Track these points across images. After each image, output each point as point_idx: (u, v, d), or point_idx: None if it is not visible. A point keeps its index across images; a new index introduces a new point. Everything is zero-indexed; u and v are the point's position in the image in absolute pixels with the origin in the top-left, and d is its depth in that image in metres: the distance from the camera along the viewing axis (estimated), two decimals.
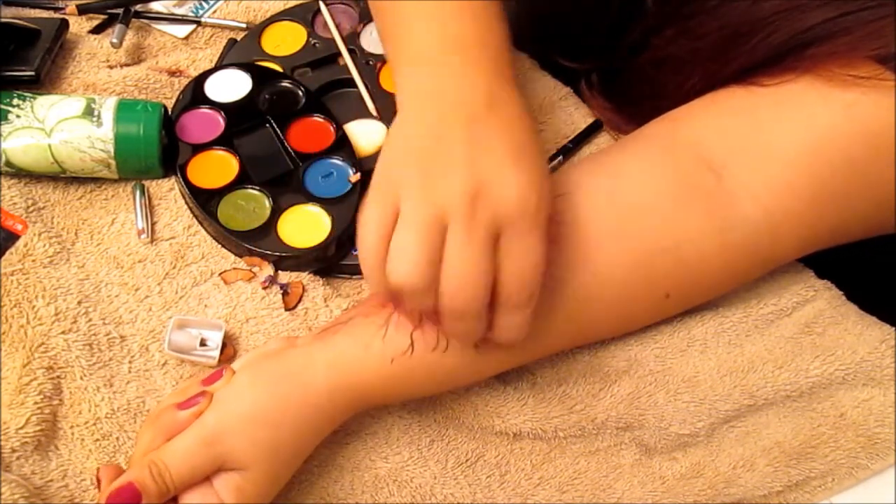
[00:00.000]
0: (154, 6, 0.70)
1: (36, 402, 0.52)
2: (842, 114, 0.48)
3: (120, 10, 0.68)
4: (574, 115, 0.66)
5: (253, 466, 0.46)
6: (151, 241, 0.59)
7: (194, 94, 0.64)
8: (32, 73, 0.63)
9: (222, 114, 0.63)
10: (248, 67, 0.65)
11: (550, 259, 0.48)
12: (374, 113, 0.65)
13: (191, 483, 0.46)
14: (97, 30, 0.69)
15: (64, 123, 0.58)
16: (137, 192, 0.60)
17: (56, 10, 0.69)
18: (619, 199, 0.50)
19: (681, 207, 0.50)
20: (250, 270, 0.58)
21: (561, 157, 0.63)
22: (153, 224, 0.60)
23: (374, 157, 0.63)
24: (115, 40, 0.66)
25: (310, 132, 0.63)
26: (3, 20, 0.65)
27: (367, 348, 0.48)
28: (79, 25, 0.68)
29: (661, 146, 0.52)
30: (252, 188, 0.60)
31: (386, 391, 0.50)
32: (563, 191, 0.50)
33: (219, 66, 0.66)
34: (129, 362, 0.55)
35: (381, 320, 0.48)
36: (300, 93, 0.65)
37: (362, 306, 0.50)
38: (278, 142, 0.62)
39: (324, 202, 0.60)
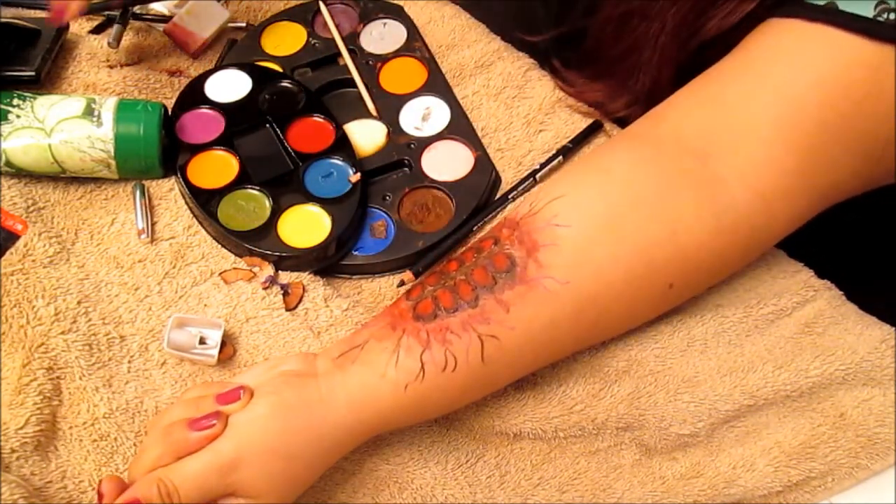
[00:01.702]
0: (154, 7, 0.70)
1: (35, 403, 0.51)
2: (805, 78, 0.49)
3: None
4: (574, 115, 0.66)
5: (264, 496, 0.46)
6: (151, 241, 0.59)
7: (194, 94, 0.64)
8: (32, 74, 0.63)
9: (222, 114, 0.63)
10: (248, 67, 0.65)
11: (551, 263, 0.48)
12: (374, 113, 0.65)
13: None
14: (97, 30, 0.69)
15: (64, 123, 0.58)
16: (137, 192, 0.60)
17: None
18: (611, 195, 0.50)
19: (671, 196, 0.50)
20: (250, 270, 0.58)
21: (561, 158, 0.63)
22: (153, 224, 0.60)
23: (374, 156, 0.63)
24: (111, 41, 0.66)
25: (310, 132, 0.63)
26: (3, 20, 0.65)
27: (382, 378, 0.48)
28: (79, 26, 0.68)
29: (646, 142, 0.53)
30: (252, 188, 0.60)
31: (403, 418, 0.50)
32: (558, 194, 0.50)
33: (219, 66, 0.66)
34: (129, 362, 0.55)
35: (392, 345, 0.48)
36: (300, 93, 0.65)
37: (374, 327, 0.50)
38: (278, 142, 0.62)
39: (324, 202, 0.60)
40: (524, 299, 0.48)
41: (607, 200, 0.50)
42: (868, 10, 0.47)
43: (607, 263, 0.49)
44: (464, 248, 0.53)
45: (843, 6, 0.48)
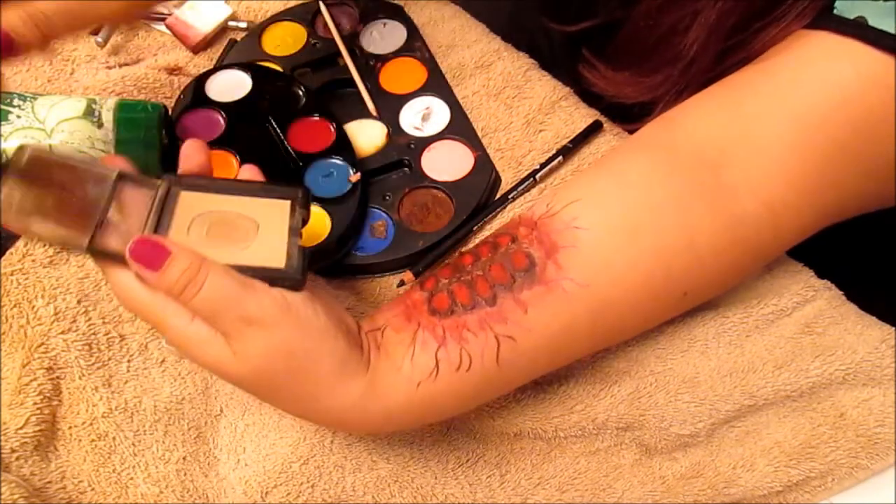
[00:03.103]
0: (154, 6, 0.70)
1: (35, 403, 0.52)
2: (827, 96, 0.48)
3: None
4: (574, 115, 0.66)
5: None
6: None
7: (195, 95, 0.64)
8: None
9: (222, 114, 0.63)
10: (248, 67, 0.65)
11: (570, 265, 0.48)
12: (374, 113, 0.65)
13: None
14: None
15: (64, 124, 0.58)
16: None
17: None
18: (629, 201, 0.50)
19: (690, 205, 0.49)
20: None
21: (561, 158, 0.63)
22: None
23: (374, 156, 0.63)
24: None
25: (310, 132, 0.63)
26: None
27: (398, 372, 0.46)
28: None
29: (660, 149, 0.52)
30: None
31: (406, 419, 0.48)
32: (576, 197, 0.49)
33: (219, 66, 0.66)
34: (128, 361, 0.55)
35: (409, 338, 0.47)
36: (300, 93, 0.65)
37: (389, 314, 0.49)
38: (278, 142, 0.62)
39: (324, 202, 0.60)
40: (543, 300, 0.47)
41: (626, 206, 0.49)
42: (892, 26, 0.46)
43: (627, 269, 0.48)
44: (478, 242, 0.52)
45: (873, 22, 0.47)
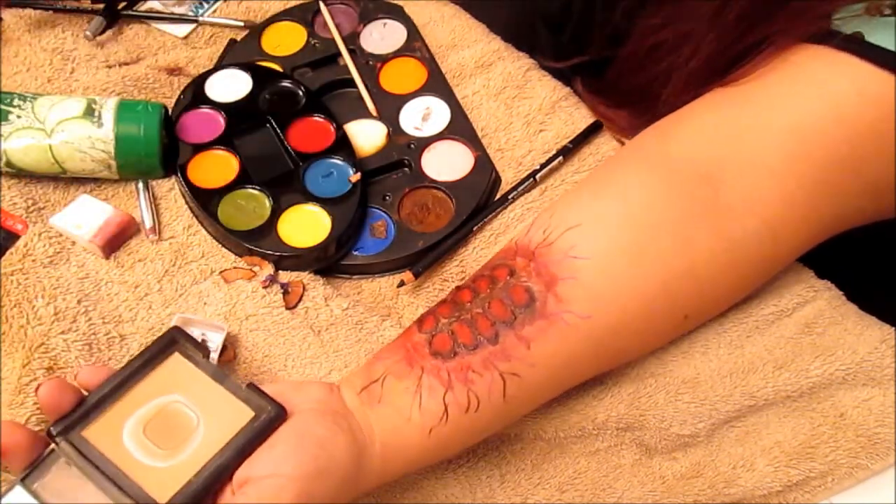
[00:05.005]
0: (154, 5, 0.70)
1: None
2: (826, 112, 0.48)
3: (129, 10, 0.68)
4: (574, 115, 0.66)
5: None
6: (155, 239, 0.59)
7: (194, 94, 0.64)
8: None
9: (222, 114, 0.63)
10: (248, 67, 0.65)
11: (571, 297, 0.47)
12: (374, 113, 0.65)
13: None
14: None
15: (64, 124, 0.58)
16: (141, 186, 0.60)
17: (56, 10, 0.69)
18: (632, 224, 0.49)
19: (689, 227, 0.49)
20: (251, 269, 0.58)
21: (561, 158, 0.63)
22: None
23: (374, 156, 0.63)
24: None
25: (310, 132, 0.63)
26: None
27: (409, 422, 0.46)
28: (79, 26, 0.68)
29: (658, 163, 0.51)
30: (252, 188, 0.60)
31: (423, 463, 0.48)
32: (574, 223, 0.49)
33: (219, 66, 0.66)
34: None
35: (413, 385, 0.46)
36: (300, 93, 0.65)
37: (388, 360, 0.48)
38: (278, 142, 0.62)
39: (324, 202, 0.60)
40: (545, 335, 0.47)
41: (627, 231, 0.49)
42: (891, 43, 0.46)
43: (628, 296, 0.48)
44: (475, 275, 0.51)
45: (870, 38, 0.47)
